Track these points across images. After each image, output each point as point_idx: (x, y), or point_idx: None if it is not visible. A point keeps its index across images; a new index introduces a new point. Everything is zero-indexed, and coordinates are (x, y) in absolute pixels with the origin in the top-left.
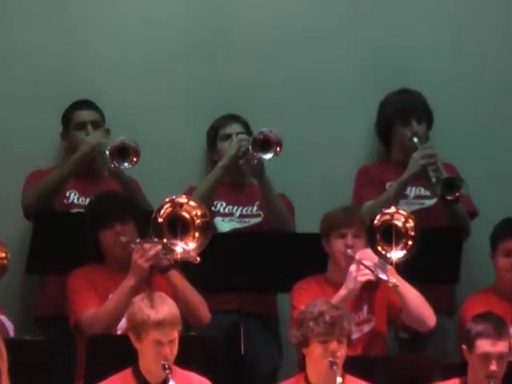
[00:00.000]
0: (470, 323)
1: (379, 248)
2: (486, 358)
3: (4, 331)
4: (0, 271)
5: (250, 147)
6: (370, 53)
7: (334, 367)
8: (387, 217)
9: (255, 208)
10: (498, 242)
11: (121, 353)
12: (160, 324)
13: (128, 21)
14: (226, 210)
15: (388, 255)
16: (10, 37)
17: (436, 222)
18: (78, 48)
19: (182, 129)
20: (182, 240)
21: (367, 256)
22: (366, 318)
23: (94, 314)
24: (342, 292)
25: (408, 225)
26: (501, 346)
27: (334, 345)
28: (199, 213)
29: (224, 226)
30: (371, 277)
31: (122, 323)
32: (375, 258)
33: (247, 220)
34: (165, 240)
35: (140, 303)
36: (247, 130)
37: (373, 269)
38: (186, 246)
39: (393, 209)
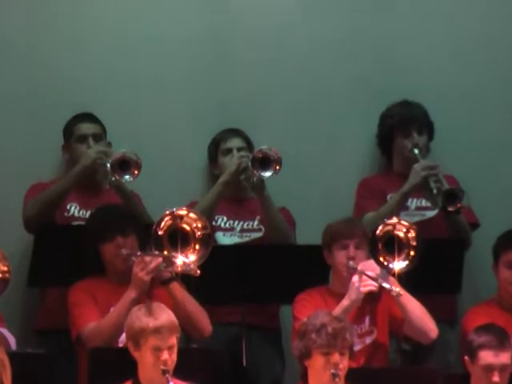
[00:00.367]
0: (473, 335)
1: (381, 259)
2: (489, 369)
3: (6, 344)
4: (2, 285)
5: (250, 164)
6: (370, 65)
7: (336, 379)
8: (389, 227)
9: (256, 222)
10: (501, 253)
11: (123, 366)
12: (158, 330)
13: (131, 36)
14: (227, 225)
15: (390, 266)
16: (10, 50)
17: (437, 233)
18: (80, 61)
19: (183, 143)
20: (182, 252)
21: (370, 267)
22: (368, 329)
23: (96, 327)
24: (345, 302)
25: (410, 235)
26: (503, 358)
27: (336, 356)
28: (200, 225)
29: (225, 240)
30: (374, 287)
31: (124, 336)
32: (378, 269)
33: (248, 234)
34: (165, 252)
35: (137, 312)
36: (248, 144)
37: (375, 279)
38: (186, 259)
39: (395, 219)
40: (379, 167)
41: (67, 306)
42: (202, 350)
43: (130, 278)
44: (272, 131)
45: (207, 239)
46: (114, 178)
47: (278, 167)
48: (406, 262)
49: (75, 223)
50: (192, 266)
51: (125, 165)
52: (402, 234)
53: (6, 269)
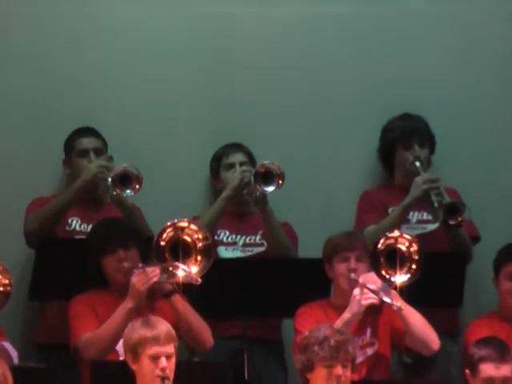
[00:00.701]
0: (473, 348)
1: (383, 272)
2: (490, 382)
3: (8, 358)
4: (4, 298)
5: (252, 179)
6: (372, 78)
7: None
8: (391, 241)
9: (258, 237)
10: (502, 266)
11: (124, 379)
12: (156, 338)
13: (132, 49)
14: (230, 239)
15: (392, 279)
16: (12, 64)
17: (438, 246)
18: (81, 75)
19: (185, 157)
20: (184, 263)
21: (371, 280)
22: (370, 341)
23: (91, 336)
24: (346, 315)
25: (412, 249)
26: (504, 370)
27: (338, 369)
28: (201, 236)
29: (227, 255)
30: (375, 300)
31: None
32: (379, 282)
33: (250, 249)
34: (166, 263)
35: (135, 325)
36: (250, 159)
37: (377, 292)
38: (186, 268)
39: (397, 233)
40: (380, 180)
41: (67, 317)
42: (204, 364)
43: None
44: (273, 144)
45: (209, 250)
46: (114, 193)
47: (280, 182)
48: (408, 276)
49: (77, 237)
50: (193, 276)
51: (126, 179)
52: (404, 248)
53: (7, 282)
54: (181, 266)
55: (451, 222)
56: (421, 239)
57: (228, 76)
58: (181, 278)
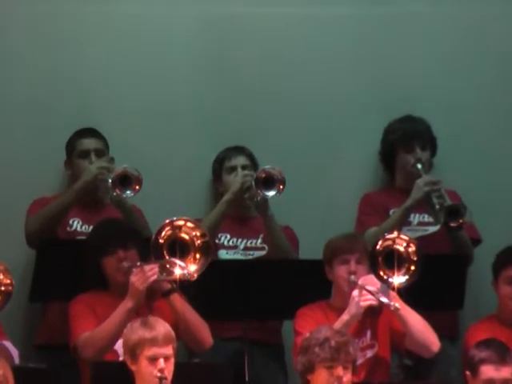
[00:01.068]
0: (474, 350)
1: (381, 273)
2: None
3: (9, 357)
4: (5, 298)
5: (253, 184)
6: (373, 80)
7: None
8: (389, 242)
9: (259, 241)
10: (501, 270)
11: (125, 380)
12: (154, 340)
13: (134, 49)
14: (231, 243)
15: (390, 280)
16: (15, 65)
17: (439, 248)
18: (82, 76)
19: (187, 159)
20: (182, 262)
21: (370, 281)
22: (370, 343)
23: (90, 335)
24: (345, 317)
25: (410, 249)
26: (504, 372)
27: (339, 370)
28: (198, 233)
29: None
30: (374, 302)
31: (120, 344)
32: (378, 284)
33: (251, 253)
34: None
35: (134, 325)
36: (252, 162)
37: (375, 293)
38: (182, 263)
39: (394, 234)
40: (381, 183)
41: (67, 318)
42: (204, 365)
43: None
44: (274, 146)
45: (207, 247)
46: (114, 194)
47: (281, 187)
48: (406, 277)
49: (78, 238)
50: (189, 271)
51: (126, 180)
52: (401, 249)
53: (8, 281)
54: (177, 261)
55: (452, 225)
56: (422, 241)
57: (230, 76)
58: (178, 276)
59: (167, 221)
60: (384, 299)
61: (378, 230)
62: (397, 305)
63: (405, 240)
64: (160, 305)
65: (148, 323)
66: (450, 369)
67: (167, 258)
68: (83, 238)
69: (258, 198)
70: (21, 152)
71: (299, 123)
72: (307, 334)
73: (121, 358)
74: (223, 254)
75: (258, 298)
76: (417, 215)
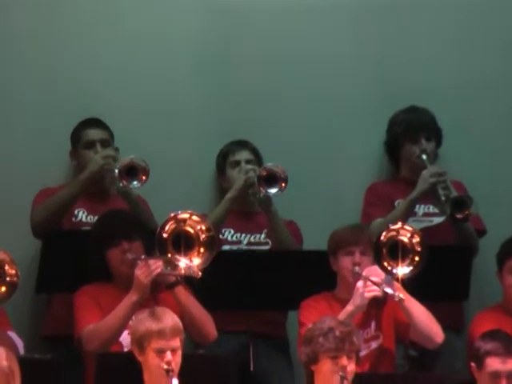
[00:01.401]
0: (479, 341)
1: (385, 264)
2: (496, 376)
3: (14, 348)
4: (10, 289)
5: (256, 181)
6: (377, 71)
7: (345, 382)
8: (393, 233)
9: (263, 236)
10: (505, 259)
11: (130, 371)
12: (161, 332)
13: (139, 41)
14: (234, 238)
15: (394, 271)
16: (20, 57)
17: (445, 239)
18: (87, 67)
19: (191, 153)
20: (187, 255)
21: (374, 273)
22: (374, 334)
23: (94, 328)
24: (349, 308)
25: (414, 240)
26: (510, 364)
27: (344, 360)
28: (204, 227)
29: None
30: (378, 293)
31: (124, 336)
32: (382, 275)
33: (255, 248)
34: (169, 255)
35: (141, 316)
36: (256, 156)
37: (379, 284)
38: (188, 262)
39: (399, 224)
40: (386, 173)
41: (72, 309)
42: (210, 357)
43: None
44: (279, 138)
45: (212, 242)
46: (121, 184)
47: (283, 185)
48: (411, 268)
49: (83, 229)
50: (194, 269)
51: (132, 171)
52: (406, 239)
53: (13, 272)
54: (182, 259)
55: (458, 216)
56: (427, 232)
57: (235, 75)
58: (183, 270)
59: (171, 215)
60: (388, 290)
61: (384, 222)
62: (401, 296)
63: (409, 231)
64: (165, 297)
65: (156, 314)
66: (455, 360)
67: (172, 252)
68: (88, 228)
69: (261, 195)
70: (26, 143)
71: (303, 115)
72: (311, 325)
73: (125, 350)
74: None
75: (262, 289)
76: (422, 206)
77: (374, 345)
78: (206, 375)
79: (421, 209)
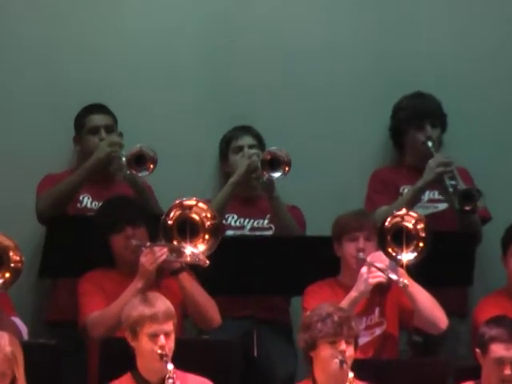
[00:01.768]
0: (484, 327)
1: (390, 250)
2: (500, 362)
3: (17, 333)
4: (14, 274)
5: (259, 165)
6: (382, 56)
7: (344, 366)
8: (397, 219)
9: (266, 221)
10: (510, 244)
11: (132, 355)
12: (154, 316)
13: (142, 29)
14: (238, 223)
15: (399, 257)
16: (23, 42)
17: (450, 225)
18: (91, 53)
19: (195, 140)
20: (191, 242)
21: (378, 258)
22: (378, 321)
23: (99, 315)
24: (353, 294)
25: (419, 226)
26: None
27: (342, 344)
28: (209, 215)
29: None
30: (382, 279)
31: None
32: (387, 261)
33: (258, 233)
34: (174, 243)
35: (134, 302)
36: (259, 141)
37: (384, 270)
38: (195, 250)
39: (403, 211)
40: (391, 159)
41: (76, 296)
42: (214, 342)
43: (138, 269)
44: (283, 124)
45: (216, 229)
46: (128, 172)
47: (287, 168)
48: (415, 254)
49: (88, 214)
50: (201, 257)
51: (141, 159)
52: (410, 226)
53: (18, 258)
54: (188, 247)
55: (466, 208)
56: (432, 218)
57: (238, 63)
58: (188, 258)
59: (177, 201)
60: (393, 276)
61: (389, 210)
62: (405, 281)
63: (414, 217)
64: (168, 283)
65: (148, 300)
66: (459, 346)
67: (177, 238)
68: (93, 214)
69: (264, 179)
70: (30, 129)
71: (307, 101)
72: (309, 312)
73: None
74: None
75: (267, 274)
76: (427, 192)
77: (377, 331)
78: (210, 360)
79: (426, 195)
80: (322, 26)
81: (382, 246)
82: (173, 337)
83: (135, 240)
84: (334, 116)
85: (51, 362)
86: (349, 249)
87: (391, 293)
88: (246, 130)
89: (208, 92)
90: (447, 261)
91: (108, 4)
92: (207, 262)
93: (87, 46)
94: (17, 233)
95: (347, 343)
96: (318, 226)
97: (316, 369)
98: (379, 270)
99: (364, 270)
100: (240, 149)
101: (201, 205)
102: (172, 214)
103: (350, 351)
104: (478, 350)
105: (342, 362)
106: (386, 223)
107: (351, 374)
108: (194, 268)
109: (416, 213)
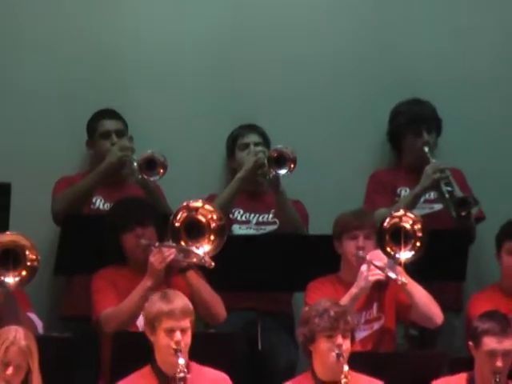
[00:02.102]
0: (477, 321)
1: (388, 249)
2: (492, 354)
3: (33, 328)
4: (31, 273)
5: (266, 162)
6: (380, 61)
7: (341, 359)
8: (396, 219)
9: (271, 215)
10: (503, 241)
11: (145, 350)
12: (171, 312)
13: (153, 33)
14: (244, 218)
15: (397, 256)
16: (34, 46)
17: (445, 224)
18: (104, 58)
19: (202, 137)
20: (198, 242)
21: (377, 257)
22: (376, 316)
23: (113, 311)
24: (353, 290)
25: (416, 227)
26: (506, 344)
27: (339, 338)
28: (215, 216)
29: (241, 233)
30: (381, 276)
31: (141, 319)
32: (385, 259)
33: (263, 227)
34: (182, 243)
35: (154, 298)
36: (265, 139)
37: (383, 268)
38: (201, 251)
39: (401, 212)
40: (389, 161)
41: (90, 292)
42: (219, 334)
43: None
44: (286, 126)
45: (222, 230)
46: (140, 176)
47: (292, 166)
48: (412, 252)
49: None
50: (207, 259)
51: (151, 164)
52: (408, 226)
53: (34, 257)
54: (194, 250)
55: (462, 214)
56: (428, 218)
57: (244, 63)
58: (195, 259)
59: (184, 204)
60: (391, 274)
61: (388, 213)
62: (404, 279)
63: (411, 218)
64: (177, 281)
65: (167, 296)
66: (454, 339)
67: (184, 239)
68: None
69: (271, 176)
70: (44, 132)
71: (309, 105)
72: (307, 308)
73: (141, 329)
74: (236, 229)
75: (271, 271)
76: None
77: (376, 326)
78: (216, 352)
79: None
80: (323, 32)
81: (381, 245)
82: (189, 333)
83: (144, 239)
84: (334, 119)
85: (65, 355)
86: (349, 247)
87: (389, 289)
88: (251, 128)
89: (215, 94)
90: (441, 257)
91: (127, 10)
92: (212, 263)
93: (102, 52)
94: (33, 232)
95: (344, 337)
96: (319, 224)
97: (315, 362)
98: (378, 268)
99: (364, 267)
100: (246, 146)
101: (207, 207)
102: (179, 216)
103: (346, 345)
104: (470, 343)
105: (338, 355)
106: (385, 223)
107: (346, 368)
108: (200, 266)
109: (413, 214)
